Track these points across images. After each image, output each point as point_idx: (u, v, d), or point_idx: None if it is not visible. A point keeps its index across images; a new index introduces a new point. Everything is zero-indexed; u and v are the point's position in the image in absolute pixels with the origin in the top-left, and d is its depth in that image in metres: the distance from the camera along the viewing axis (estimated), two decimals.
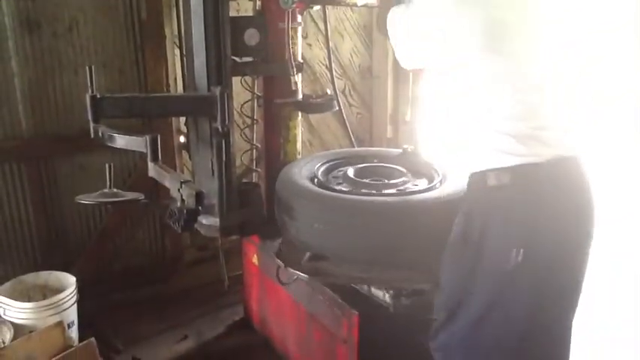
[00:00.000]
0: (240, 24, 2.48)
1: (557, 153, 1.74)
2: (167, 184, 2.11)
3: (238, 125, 2.92)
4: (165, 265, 3.49)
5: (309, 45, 3.81)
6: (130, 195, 2.44)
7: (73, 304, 2.80)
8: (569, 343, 1.97)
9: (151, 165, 2.08)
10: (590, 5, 1.92)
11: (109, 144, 2.19)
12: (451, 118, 1.91)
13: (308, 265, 2.33)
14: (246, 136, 2.97)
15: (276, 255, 2.48)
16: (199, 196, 1.98)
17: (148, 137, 2.03)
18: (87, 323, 2.93)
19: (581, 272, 1.87)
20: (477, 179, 1.83)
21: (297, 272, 2.32)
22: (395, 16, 1.98)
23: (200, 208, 2.08)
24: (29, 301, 2.73)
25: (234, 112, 2.44)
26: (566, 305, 1.91)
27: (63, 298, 2.73)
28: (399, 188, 2.43)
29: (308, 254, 2.33)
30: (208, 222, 2.48)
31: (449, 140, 1.95)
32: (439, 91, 1.92)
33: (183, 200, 2.06)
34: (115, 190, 2.41)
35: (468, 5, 1.73)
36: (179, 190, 2.04)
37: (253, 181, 3.06)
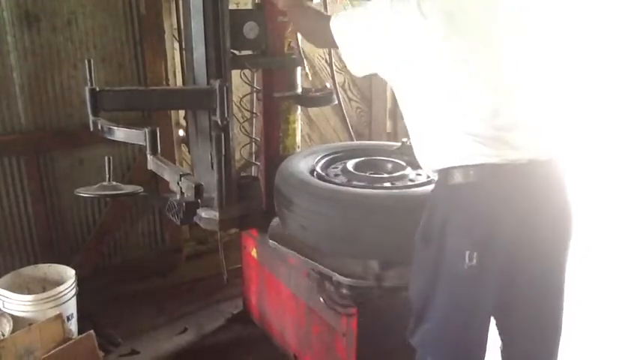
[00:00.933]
0: (239, 17, 2.49)
1: (526, 156, 1.68)
2: (166, 176, 2.12)
3: (237, 119, 2.93)
4: (165, 259, 3.49)
5: None
6: (129, 188, 2.45)
7: (72, 297, 2.80)
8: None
9: (150, 158, 2.08)
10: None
11: (109, 137, 2.20)
12: (416, 119, 1.87)
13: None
14: (246, 130, 2.98)
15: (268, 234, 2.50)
16: (198, 189, 1.98)
17: (147, 130, 2.03)
18: (86, 316, 2.94)
19: (556, 278, 1.84)
20: (441, 176, 1.80)
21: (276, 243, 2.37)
22: (342, 21, 1.94)
23: (199, 200, 2.08)
24: (29, 293, 2.74)
25: (234, 106, 2.44)
26: (536, 312, 1.86)
27: (62, 291, 2.74)
28: (395, 182, 2.42)
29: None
30: (208, 215, 2.49)
31: (416, 141, 1.89)
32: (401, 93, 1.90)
33: (182, 193, 2.07)
34: (114, 183, 2.42)
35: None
36: (178, 182, 2.04)
37: (252, 174, 3.06)
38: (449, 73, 1.68)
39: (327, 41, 2.02)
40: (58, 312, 2.61)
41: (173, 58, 3.26)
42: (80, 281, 2.87)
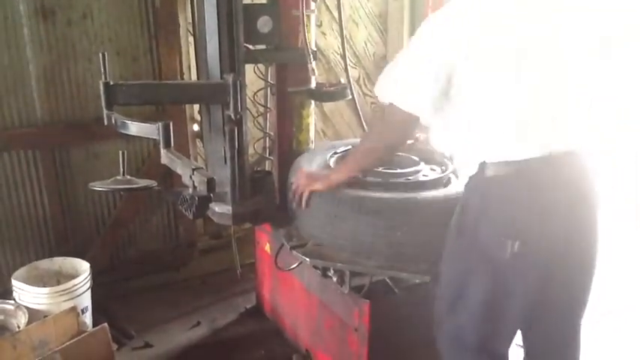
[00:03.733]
0: (253, 11, 2.48)
1: (557, 148, 1.70)
2: (179, 171, 2.12)
3: (251, 113, 2.92)
4: (179, 253, 3.51)
5: (324, 34, 3.79)
6: (143, 182, 2.46)
7: (86, 290, 2.82)
8: (579, 342, 1.96)
9: (163, 152, 2.08)
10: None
11: (122, 131, 2.19)
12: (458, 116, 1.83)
13: (310, 248, 2.34)
14: (260, 125, 2.97)
15: (283, 237, 2.47)
16: (211, 183, 1.97)
17: (160, 124, 2.03)
18: (100, 309, 2.96)
19: (588, 269, 1.84)
20: (476, 171, 1.81)
21: (299, 254, 2.31)
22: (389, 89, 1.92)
23: (212, 194, 2.08)
24: (44, 286, 2.76)
25: (247, 101, 2.43)
26: (573, 302, 1.88)
27: (77, 284, 2.76)
28: (409, 177, 2.40)
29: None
30: (221, 210, 2.48)
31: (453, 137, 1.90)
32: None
33: (195, 187, 2.07)
34: (128, 177, 2.43)
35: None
36: (191, 177, 2.04)
37: (266, 169, 3.06)
38: (495, 71, 1.68)
39: (396, 134, 1.95)
40: (72, 305, 2.64)
41: (188, 53, 3.26)
42: (94, 274, 2.90)
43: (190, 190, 2.13)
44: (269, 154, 3.08)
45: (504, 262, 1.72)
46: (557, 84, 1.71)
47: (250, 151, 2.67)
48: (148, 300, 3.25)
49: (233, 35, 2.34)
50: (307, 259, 2.28)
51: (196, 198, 2.12)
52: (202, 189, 2.00)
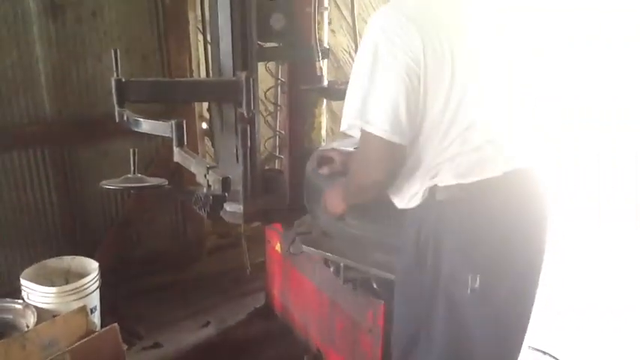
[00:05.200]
0: (266, 8, 2.45)
1: (509, 167, 1.59)
2: (193, 169, 2.09)
3: (261, 112, 2.90)
4: (188, 252, 3.49)
5: (333, 32, 3.77)
6: (154, 181, 2.43)
7: (95, 290, 2.80)
8: None
9: (176, 150, 2.05)
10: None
11: (135, 129, 2.17)
12: None
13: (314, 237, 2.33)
14: (270, 123, 2.95)
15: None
16: (226, 182, 1.94)
17: (173, 122, 2.00)
18: (109, 309, 2.94)
19: (534, 293, 1.75)
20: (427, 194, 1.65)
21: (309, 247, 2.29)
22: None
23: (226, 194, 2.06)
24: (52, 285, 2.74)
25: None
26: (523, 328, 1.79)
27: (86, 283, 2.74)
28: None
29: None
30: (232, 209, 2.47)
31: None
32: None
33: (209, 186, 2.04)
34: (139, 175, 2.41)
35: None
36: (205, 175, 2.02)
37: (276, 168, 3.04)
38: (432, 85, 1.54)
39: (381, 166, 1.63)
40: (81, 304, 2.61)
41: (197, 50, 3.24)
42: (103, 274, 2.87)
43: (204, 189, 2.10)
44: (279, 153, 3.05)
45: (464, 300, 1.62)
46: (502, 88, 1.63)
47: (261, 149, 2.64)
48: (156, 299, 3.22)
49: (246, 32, 2.32)
50: (302, 246, 2.27)
51: (211, 197, 2.09)
52: (217, 188, 1.96)
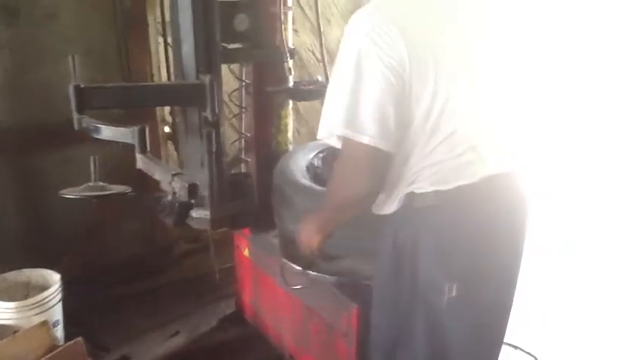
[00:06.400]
0: (229, 9, 2.39)
1: (486, 173, 1.56)
2: (157, 176, 2.03)
3: (225, 114, 2.83)
4: (155, 259, 3.40)
5: (296, 31, 3.71)
6: (117, 188, 2.35)
7: (57, 302, 2.70)
8: None
9: (139, 157, 1.99)
10: None
11: (95, 136, 2.10)
12: None
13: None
14: (235, 126, 2.89)
15: (281, 253, 2.37)
16: (192, 189, 1.89)
17: (135, 128, 1.94)
18: (74, 321, 2.84)
19: (512, 298, 1.76)
20: (404, 201, 1.60)
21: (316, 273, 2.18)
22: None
23: (193, 201, 2.00)
24: (11, 300, 2.62)
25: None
26: (501, 334, 1.80)
27: (47, 297, 2.63)
28: None
29: None
30: (198, 215, 2.39)
31: None
32: None
33: (174, 193, 1.98)
34: (101, 183, 2.33)
35: None
36: (170, 182, 1.96)
37: (242, 171, 2.98)
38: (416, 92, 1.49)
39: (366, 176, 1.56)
40: (43, 319, 2.52)
41: (157, 53, 3.16)
42: (67, 285, 2.77)
43: (169, 197, 2.04)
44: (245, 156, 2.99)
45: (441, 309, 1.60)
46: (486, 93, 1.59)
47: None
48: (124, 309, 3.13)
49: (209, 34, 2.26)
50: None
51: (176, 204, 2.04)
52: (183, 195, 1.91)
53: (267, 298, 2.80)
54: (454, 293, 1.57)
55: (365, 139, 1.47)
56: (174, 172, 1.95)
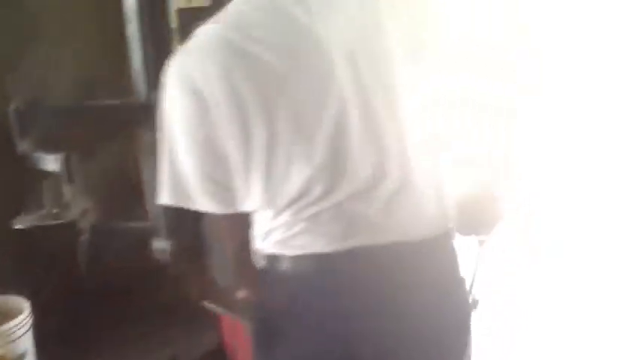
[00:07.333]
0: (188, 17, 2.18)
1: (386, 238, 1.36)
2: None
3: None
4: (141, 280, 3.23)
5: None
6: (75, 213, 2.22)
7: (26, 332, 2.55)
8: None
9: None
10: None
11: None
12: None
13: None
14: None
15: None
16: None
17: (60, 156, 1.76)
18: (46, 352, 2.67)
19: None
20: (268, 262, 1.39)
21: None
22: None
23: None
24: None
25: None
26: None
27: (13, 327, 2.48)
28: None
29: None
30: (159, 245, 2.23)
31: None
32: None
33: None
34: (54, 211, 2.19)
35: None
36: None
37: None
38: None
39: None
40: (8, 350, 2.41)
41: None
42: (44, 311, 2.63)
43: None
44: None
45: None
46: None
47: None
48: (102, 337, 2.97)
49: (162, 47, 2.06)
50: None
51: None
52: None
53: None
54: None
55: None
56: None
